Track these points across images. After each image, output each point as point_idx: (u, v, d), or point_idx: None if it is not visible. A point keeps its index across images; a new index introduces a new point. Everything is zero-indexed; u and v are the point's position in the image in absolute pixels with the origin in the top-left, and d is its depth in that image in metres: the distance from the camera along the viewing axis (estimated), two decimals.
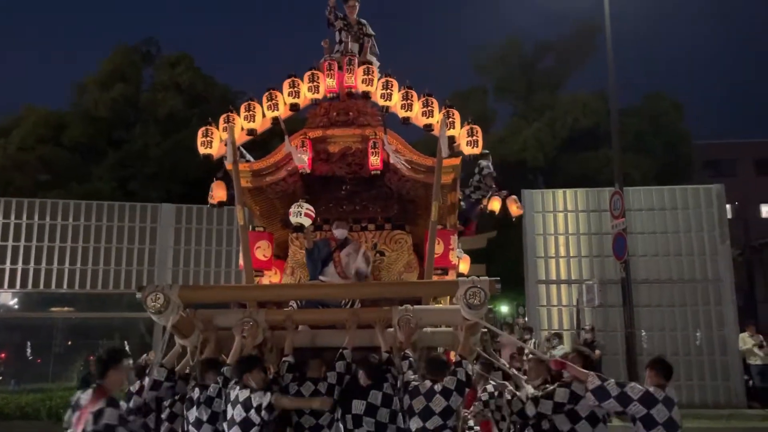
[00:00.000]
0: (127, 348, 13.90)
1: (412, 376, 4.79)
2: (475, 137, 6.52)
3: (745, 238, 24.13)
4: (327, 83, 6.59)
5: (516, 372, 5.46)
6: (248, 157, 7.19)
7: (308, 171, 6.51)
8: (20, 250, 14.04)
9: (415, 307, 5.31)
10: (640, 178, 20.39)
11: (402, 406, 4.77)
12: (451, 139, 6.47)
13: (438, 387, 4.62)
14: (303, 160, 6.41)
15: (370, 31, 7.37)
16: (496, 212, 8.17)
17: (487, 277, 4.96)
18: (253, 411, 4.61)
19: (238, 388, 4.75)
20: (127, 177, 20.02)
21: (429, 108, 6.49)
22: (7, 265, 13.98)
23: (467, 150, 6.53)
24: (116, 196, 17.82)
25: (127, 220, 14.28)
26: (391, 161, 6.40)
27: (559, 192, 14.30)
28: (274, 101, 6.51)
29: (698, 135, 27.03)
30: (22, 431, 11.60)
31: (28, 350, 17.00)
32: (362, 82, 6.57)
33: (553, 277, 13.84)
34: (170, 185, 18.93)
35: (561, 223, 14.06)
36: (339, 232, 6.49)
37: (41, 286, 14.17)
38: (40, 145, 20.40)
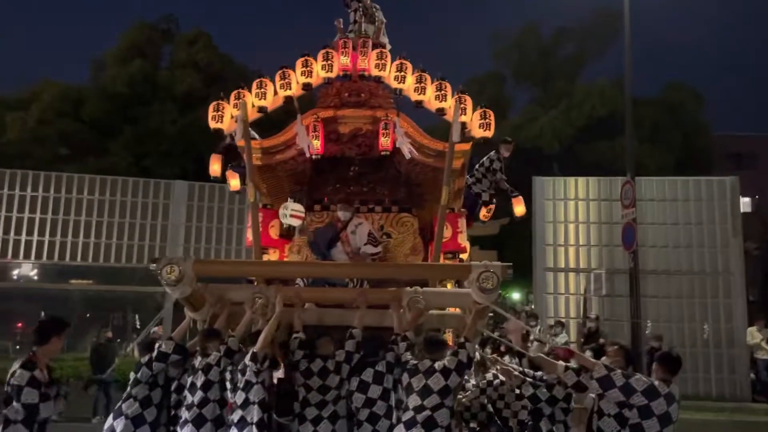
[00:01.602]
0: (137, 321, 14.18)
1: (410, 356, 4.86)
2: (487, 120, 6.42)
3: (763, 232, 23.81)
4: (341, 61, 6.55)
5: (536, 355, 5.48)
6: (253, 134, 7.26)
7: (318, 155, 6.46)
8: (37, 222, 14.31)
9: (425, 289, 5.36)
10: (657, 168, 20.18)
11: (401, 384, 4.83)
12: (463, 125, 6.36)
13: (438, 366, 4.66)
14: (310, 143, 6.37)
15: (382, 17, 7.34)
16: (520, 215, 8.15)
17: (499, 263, 5.04)
18: (248, 370, 4.80)
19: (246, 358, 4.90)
20: (143, 154, 20.23)
21: (442, 92, 6.40)
22: (23, 237, 14.28)
23: (479, 133, 6.46)
24: (131, 172, 18.03)
25: (141, 196, 14.50)
26: (397, 145, 6.36)
27: (571, 180, 14.26)
28: (287, 80, 6.44)
29: (720, 127, 26.70)
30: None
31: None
32: (375, 67, 6.53)
33: (562, 265, 13.84)
34: (184, 163, 19.10)
35: (571, 211, 14.03)
36: (343, 214, 6.48)
37: (57, 258, 14.45)
38: (58, 119, 20.65)
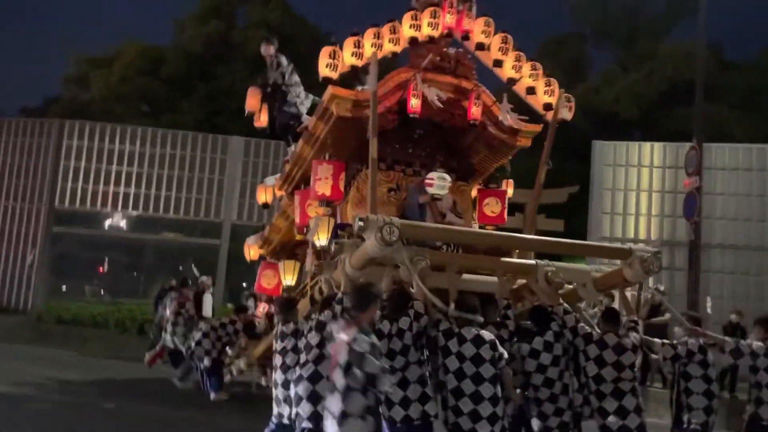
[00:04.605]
0: (196, 271, 14.84)
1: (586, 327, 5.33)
2: (571, 104, 6.98)
3: None
4: (446, 21, 6.47)
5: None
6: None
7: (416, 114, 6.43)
8: (119, 174, 15.17)
9: (556, 263, 5.68)
10: (747, 137, 18.71)
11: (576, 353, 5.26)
12: (549, 105, 6.84)
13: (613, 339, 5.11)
14: (439, 97, 6.44)
15: None
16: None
17: (651, 248, 5.72)
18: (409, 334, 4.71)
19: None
20: (214, 111, 20.82)
21: (536, 71, 6.81)
22: (101, 187, 15.18)
23: (566, 115, 6.95)
24: (201, 128, 18.60)
25: (200, 150, 14.97)
26: (501, 119, 6.73)
27: (633, 145, 13.49)
28: (396, 35, 6.36)
29: None
30: (88, 336, 12.74)
31: (106, 267, 18.39)
32: (482, 33, 6.58)
33: (619, 235, 13.16)
34: (251, 121, 19.49)
35: (633, 178, 13.28)
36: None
37: (132, 208, 15.31)
38: (139, 77, 21.59)
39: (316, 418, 4.63)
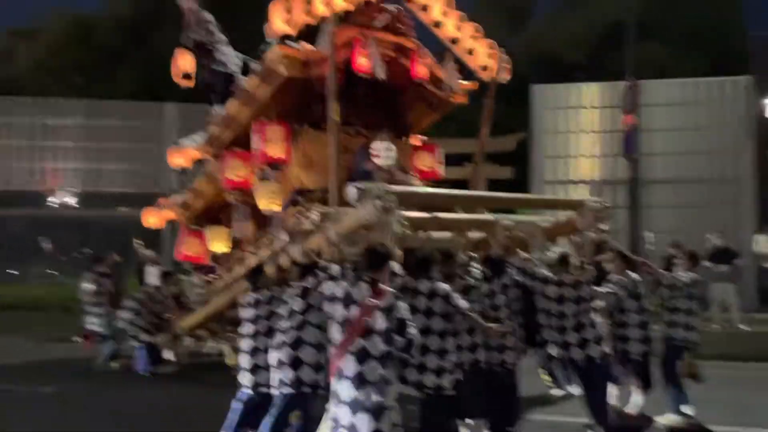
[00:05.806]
0: (139, 245, 14.48)
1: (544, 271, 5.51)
2: (509, 66, 7.09)
3: None
4: None
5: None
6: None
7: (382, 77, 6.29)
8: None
9: (511, 216, 6.07)
10: (691, 73, 18.95)
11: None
12: (485, 67, 6.93)
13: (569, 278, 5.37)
14: (381, 65, 6.25)
15: None
16: None
17: (597, 199, 6.13)
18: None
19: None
20: (151, 78, 20.07)
21: (478, 33, 6.83)
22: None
23: (504, 77, 7.06)
24: (139, 97, 17.93)
25: (133, 120, 14.48)
26: (446, 80, 6.84)
27: (572, 87, 13.51)
28: None
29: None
30: (31, 320, 12.38)
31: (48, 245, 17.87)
32: None
33: (562, 177, 13.25)
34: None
35: (573, 120, 13.30)
36: (381, 137, 6.48)
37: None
38: (69, 47, 20.68)
39: (299, 384, 4.60)
